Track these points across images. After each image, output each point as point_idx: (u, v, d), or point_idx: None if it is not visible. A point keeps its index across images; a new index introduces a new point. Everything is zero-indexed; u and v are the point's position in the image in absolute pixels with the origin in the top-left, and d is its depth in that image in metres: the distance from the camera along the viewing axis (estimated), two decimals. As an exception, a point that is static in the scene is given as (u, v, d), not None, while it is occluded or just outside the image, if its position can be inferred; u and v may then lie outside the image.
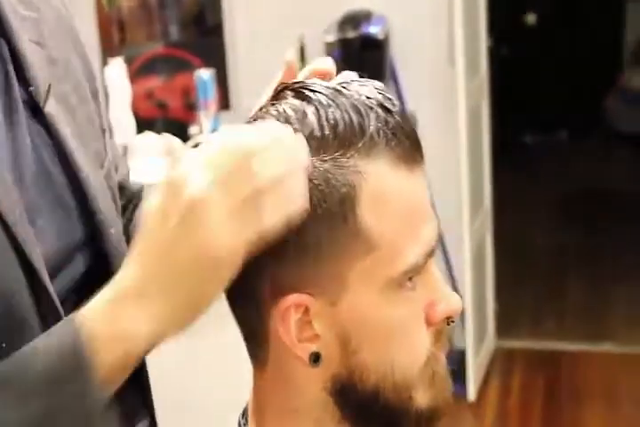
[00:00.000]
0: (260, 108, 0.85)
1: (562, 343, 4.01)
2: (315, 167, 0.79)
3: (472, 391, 3.55)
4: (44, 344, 0.80)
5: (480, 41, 3.76)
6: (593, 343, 4.00)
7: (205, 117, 3.26)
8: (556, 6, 6.86)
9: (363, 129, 0.80)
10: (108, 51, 3.71)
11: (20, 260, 0.86)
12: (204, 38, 4.23)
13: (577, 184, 6.04)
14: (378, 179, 0.80)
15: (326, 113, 0.80)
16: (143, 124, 3.39)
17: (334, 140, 0.79)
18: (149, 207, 0.78)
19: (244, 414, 0.92)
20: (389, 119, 0.81)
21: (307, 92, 0.82)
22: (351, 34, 3.63)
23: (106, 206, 1.00)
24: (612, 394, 3.62)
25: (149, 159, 2.98)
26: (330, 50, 3.69)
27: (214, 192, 0.74)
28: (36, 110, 0.95)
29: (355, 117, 0.80)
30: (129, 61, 3.61)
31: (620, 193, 5.86)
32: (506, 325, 4.09)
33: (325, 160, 0.79)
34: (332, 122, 0.80)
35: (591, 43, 6.91)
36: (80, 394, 0.79)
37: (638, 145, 6.51)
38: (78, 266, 0.97)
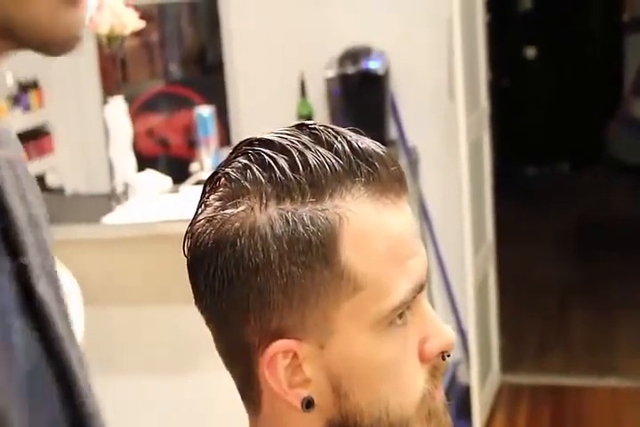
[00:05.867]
0: (226, 161, 0.84)
1: (567, 378, 3.99)
2: (295, 211, 0.78)
3: (478, 427, 3.52)
4: None
5: (480, 74, 3.77)
6: (598, 377, 3.97)
7: (206, 154, 3.27)
8: (556, 39, 6.89)
9: (339, 168, 0.79)
10: (108, 89, 3.72)
11: None
12: (206, 76, 4.26)
13: (579, 215, 6.04)
14: (359, 218, 0.79)
15: (299, 157, 0.80)
16: (145, 162, 3.40)
17: (310, 183, 0.79)
18: None
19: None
20: (365, 153, 0.81)
21: (276, 141, 0.81)
22: (351, 69, 3.65)
23: (89, 393, 0.83)
24: (619, 428, 3.59)
25: (150, 197, 2.98)
26: (330, 86, 3.71)
27: None
28: (25, 288, 0.74)
29: (329, 157, 0.80)
30: (131, 99, 3.63)
31: (623, 223, 5.85)
32: (510, 359, 4.07)
33: (304, 203, 0.79)
34: (305, 164, 0.79)
35: (591, 74, 6.94)
36: None
37: (640, 175, 6.51)
38: None
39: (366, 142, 0.82)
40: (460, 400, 3.65)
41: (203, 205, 0.83)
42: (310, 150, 0.80)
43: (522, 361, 4.13)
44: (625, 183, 6.50)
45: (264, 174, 0.80)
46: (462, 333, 3.75)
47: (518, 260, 5.00)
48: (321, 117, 3.73)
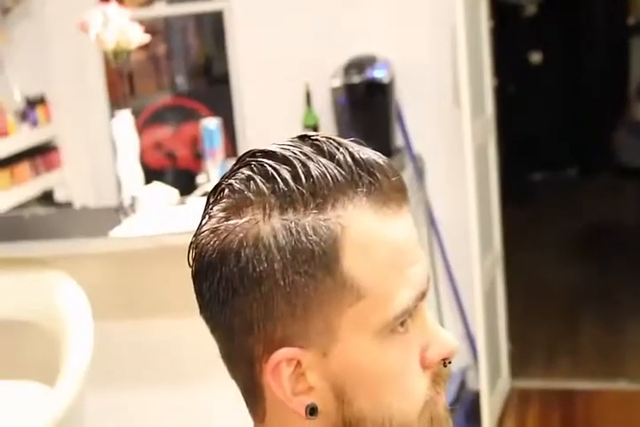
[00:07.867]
0: (229, 172, 0.85)
1: (577, 382, 3.99)
2: (297, 222, 0.80)
3: (488, 432, 3.53)
4: None
5: (485, 80, 3.78)
6: (608, 381, 3.97)
7: (212, 166, 3.29)
8: (560, 44, 6.91)
9: (340, 178, 0.81)
10: (115, 103, 3.75)
11: None
12: (212, 87, 4.28)
13: (587, 221, 6.04)
14: (361, 227, 0.81)
15: (301, 167, 0.81)
16: (152, 175, 3.42)
17: (312, 193, 0.80)
18: None
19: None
20: (367, 163, 0.82)
21: (279, 152, 0.83)
22: (356, 79, 3.67)
23: None
24: (629, 432, 3.59)
25: (158, 210, 3.01)
26: (336, 95, 3.73)
27: None
28: None
29: (331, 167, 0.81)
30: (137, 112, 3.66)
31: (632, 228, 5.85)
32: (520, 365, 4.07)
33: (307, 214, 0.80)
34: (307, 175, 0.80)
35: (596, 78, 6.95)
36: None
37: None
38: None
39: (368, 153, 0.83)
40: (469, 406, 3.66)
41: (207, 217, 0.84)
42: (312, 161, 0.81)
43: (531, 366, 4.14)
44: (633, 188, 6.50)
45: (267, 185, 0.81)
46: (471, 338, 3.76)
47: (526, 265, 5.00)
48: (327, 127, 3.75)
